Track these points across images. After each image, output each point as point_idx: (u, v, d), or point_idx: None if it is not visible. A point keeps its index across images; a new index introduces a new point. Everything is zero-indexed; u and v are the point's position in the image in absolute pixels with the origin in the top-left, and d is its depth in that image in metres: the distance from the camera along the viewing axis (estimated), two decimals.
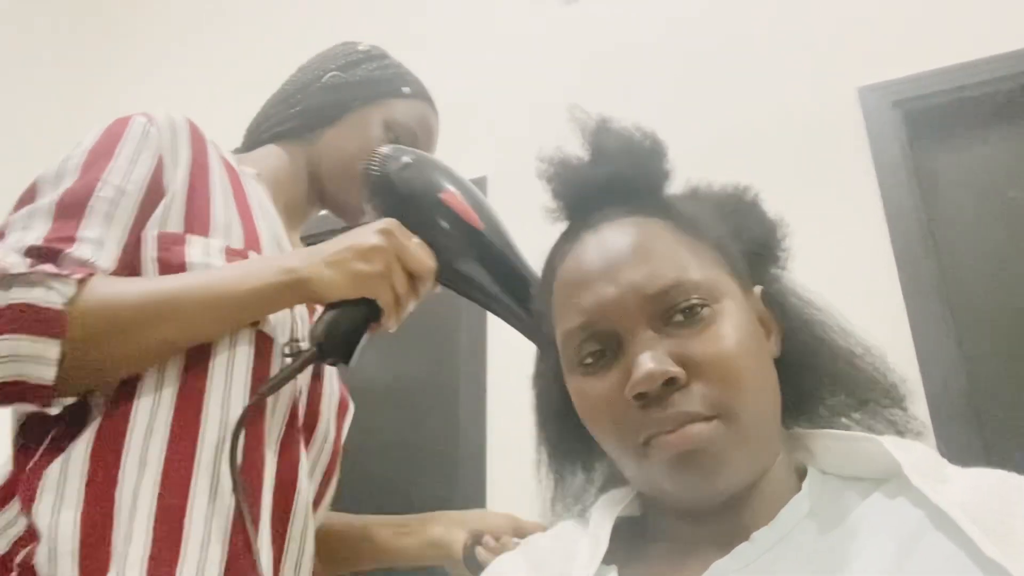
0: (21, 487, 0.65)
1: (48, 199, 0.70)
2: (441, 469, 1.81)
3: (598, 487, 0.65)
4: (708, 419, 0.50)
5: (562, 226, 0.64)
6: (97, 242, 0.69)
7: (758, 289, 0.59)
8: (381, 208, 0.77)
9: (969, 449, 1.39)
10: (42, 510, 0.63)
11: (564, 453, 0.66)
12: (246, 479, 0.68)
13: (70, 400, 0.67)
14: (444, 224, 0.74)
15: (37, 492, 0.64)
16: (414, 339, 1.99)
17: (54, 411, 0.66)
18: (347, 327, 0.71)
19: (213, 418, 0.68)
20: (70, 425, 0.67)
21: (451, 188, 0.76)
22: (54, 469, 0.64)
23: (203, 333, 0.69)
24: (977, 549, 0.44)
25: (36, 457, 0.66)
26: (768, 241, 0.62)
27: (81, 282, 0.64)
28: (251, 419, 0.70)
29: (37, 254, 0.66)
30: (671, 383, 0.50)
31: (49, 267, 0.64)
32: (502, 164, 2.06)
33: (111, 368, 0.67)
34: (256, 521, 0.68)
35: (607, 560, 0.55)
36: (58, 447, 0.66)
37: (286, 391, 0.75)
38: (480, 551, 0.82)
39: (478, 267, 0.75)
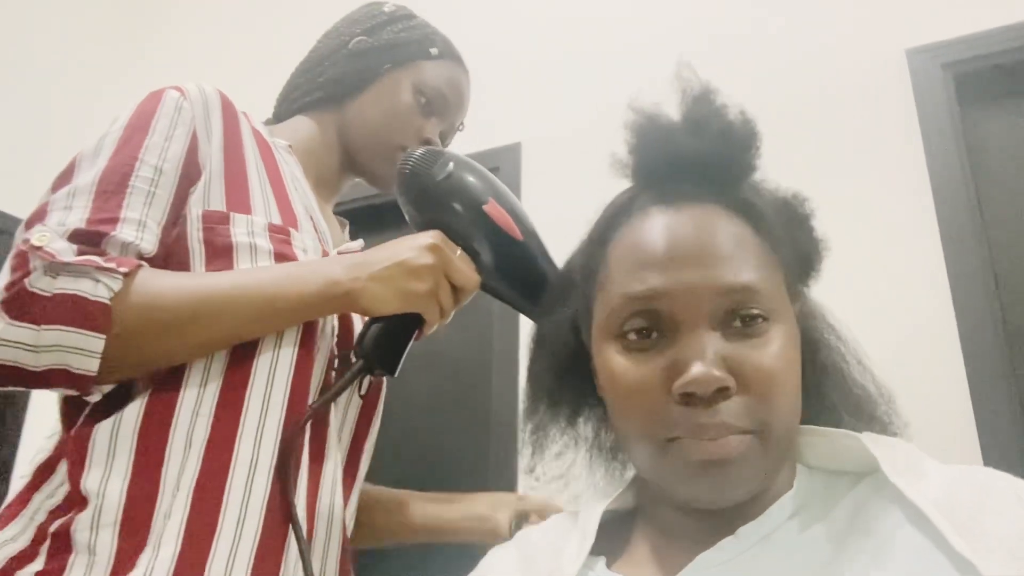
0: (68, 451, 0.67)
1: (88, 178, 0.70)
2: (474, 437, 1.83)
3: (584, 448, 0.66)
4: (745, 432, 0.50)
5: (624, 182, 0.62)
6: (139, 223, 0.69)
7: (797, 307, 0.58)
8: (421, 215, 0.77)
9: (1010, 424, 1.37)
10: (91, 479, 0.64)
11: (554, 405, 0.65)
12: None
13: (109, 388, 0.68)
14: (487, 236, 0.74)
15: (86, 460, 0.65)
16: None
17: (94, 398, 0.67)
18: (394, 341, 0.73)
19: (255, 404, 0.69)
20: (113, 393, 0.68)
21: (493, 199, 0.75)
22: (102, 438, 0.65)
23: (244, 335, 0.70)
24: (949, 545, 0.44)
25: (79, 423, 0.68)
26: (812, 259, 0.61)
27: (127, 275, 0.65)
28: (289, 415, 0.71)
29: (81, 238, 0.66)
30: (721, 391, 0.49)
31: (97, 259, 0.65)
32: (536, 130, 2.04)
33: (152, 362, 0.68)
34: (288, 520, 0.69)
35: (596, 551, 0.56)
36: (103, 414, 0.67)
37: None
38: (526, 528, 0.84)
39: (512, 274, 0.76)
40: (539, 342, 0.67)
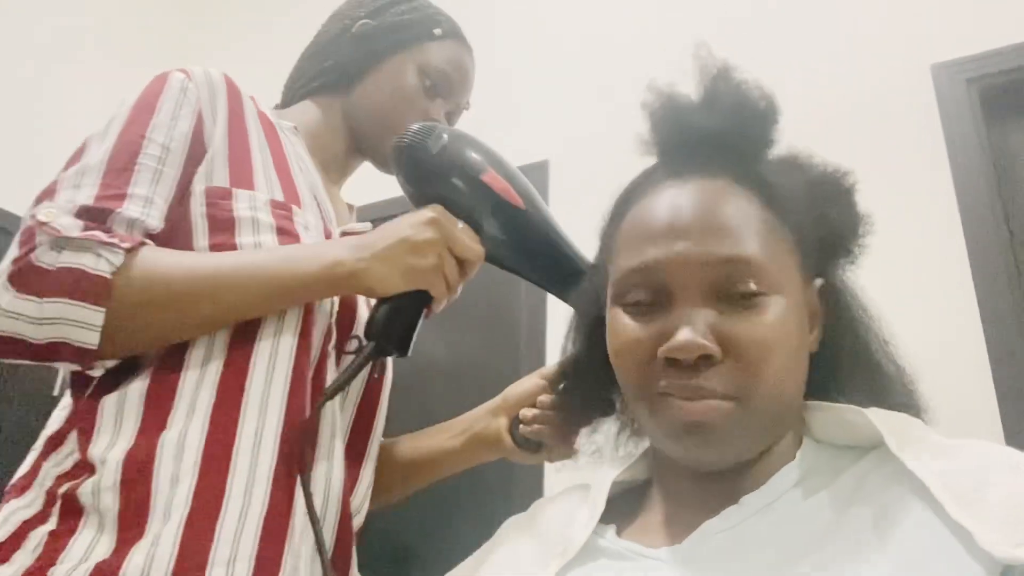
0: (77, 421, 0.69)
1: (96, 157, 0.72)
2: None
3: (613, 422, 0.68)
4: (725, 399, 0.51)
5: (649, 160, 0.63)
6: (146, 199, 0.71)
7: (818, 282, 0.59)
8: (420, 190, 0.76)
9: None
10: (98, 446, 0.66)
11: (583, 376, 0.67)
12: (288, 434, 0.70)
13: (112, 363, 0.69)
14: (488, 206, 0.74)
15: (94, 429, 0.67)
16: (474, 321, 2.04)
17: (96, 373, 0.69)
18: (403, 320, 0.73)
19: (259, 372, 0.70)
20: (120, 367, 0.70)
21: (491, 168, 0.75)
22: (110, 408, 0.67)
23: (243, 314, 0.71)
24: (947, 514, 0.45)
25: (89, 392, 0.70)
26: (849, 236, 0.61)
27: (130, 251, 0.66)
28: (294, 379, 0.72)
29: (88, 215, 0.68)
30: (705, 358, 0.51)
31: (100, 234, 0.66)
32: (564, 148, 2.08)
33: (151, 337, 0.69)
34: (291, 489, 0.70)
35: (608, 520, 0.59)
36: (111, 386, 0.69)
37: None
38: (524, 428, 0.82)
39: (517, 243, 0.76)
40: (574, 312, 0.69)
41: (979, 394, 1.44)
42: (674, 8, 2.10)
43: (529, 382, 0.85)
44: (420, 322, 0.75)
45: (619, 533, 0.58)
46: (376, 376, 0.83)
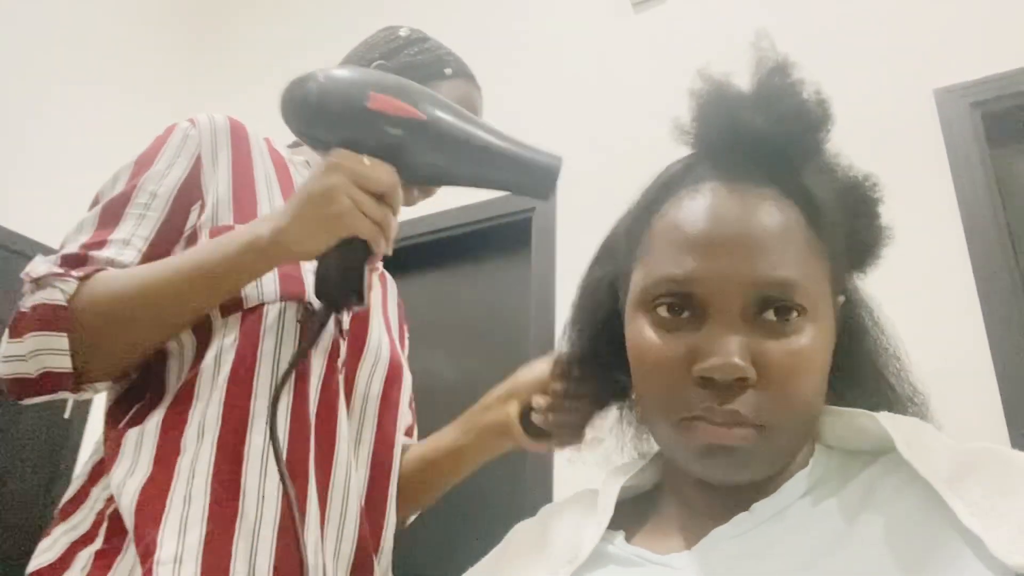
0: (106, 454, 0.74)
1: (95, 211, 0.79)
2: (509, 462, 1.86)
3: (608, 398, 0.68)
4: (753, 426, 0.50)
5: (684, 149, 0.60)
6: (123, 242, 0.77)
7: (841, 299, 0.58)
8: (317, 140, 0.76)
9: None
10: (117, 474, 0.71)
11: (587, 364, 0.67)
12: (293, 446, 0.74)
13: (102, 385, 0.76)
14: (386, 131, 0.72)
15: (117, 459, 0.72)
16: (483, 342, 2.05)
17: (87, 395, 0.74)
18: (344, 272, 0.72)
19: (263, 390, 0.74)
20: (150, 402, 0.76)
21: (372, 92, 0.73)
22: (131, 439, 0.72)
23: (191, 309, 0.74)
24: (959, 521, 0.45)
25: (118, 428, 0.75)
26: (871, 247, 0.59)
27: (83, 279, 0.72)
28: (297, 390, 0.76)
29: (71, 261, 0.74)
30: (740, 380, 0.50)
31: (57, 269, 0.72)
32: (570, 165, 2.09)
33: (122, 351, 0.74)
34: (303, 498, 0.73)
35: (617, 526, 0.58)
36: (135, 422, 0.74)
37: (320, 357, 0.80)
38: (536, 416, 0.80)
39: (439, 155, 0.74)
40: (578, 299, 0.67)
41: (987, 415, 1.44)
42: (676, 41, 2.13)
43: (539, 367, 0.84)
44: (367, 267, 0.73)
45: (628, 539, 0.58)
46: (344, 332, 0.83)
